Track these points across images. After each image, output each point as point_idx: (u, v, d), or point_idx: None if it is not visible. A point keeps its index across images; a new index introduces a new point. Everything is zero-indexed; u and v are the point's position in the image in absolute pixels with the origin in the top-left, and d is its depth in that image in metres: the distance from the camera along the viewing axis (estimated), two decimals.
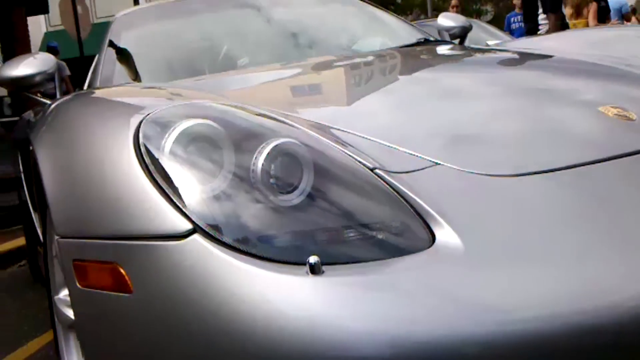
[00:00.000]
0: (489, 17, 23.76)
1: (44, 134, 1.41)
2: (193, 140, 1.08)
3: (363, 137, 1.21)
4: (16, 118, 4.22)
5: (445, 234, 0.98)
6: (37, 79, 2.13)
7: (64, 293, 1.64)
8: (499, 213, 1.03)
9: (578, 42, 2.18)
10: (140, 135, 1.10)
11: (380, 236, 0.99)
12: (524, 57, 2.03)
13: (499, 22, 12.47)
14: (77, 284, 1.12)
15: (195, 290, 0.95)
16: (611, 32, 2.41)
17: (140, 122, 1.12)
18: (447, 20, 2.78)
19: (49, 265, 1.67)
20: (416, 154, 1.15)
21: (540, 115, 1.34)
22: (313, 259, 0.92)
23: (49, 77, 2.15)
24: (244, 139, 1.09)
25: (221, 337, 0.92)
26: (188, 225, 0.98)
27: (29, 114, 3.10)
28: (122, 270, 1.03)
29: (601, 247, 0.96)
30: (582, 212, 1.03)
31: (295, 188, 1.02)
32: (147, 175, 1.05)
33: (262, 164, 1.03)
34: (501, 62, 2.00)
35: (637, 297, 0.89)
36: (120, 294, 1.04)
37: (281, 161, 1.05)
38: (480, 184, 1.08)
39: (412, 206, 1.02)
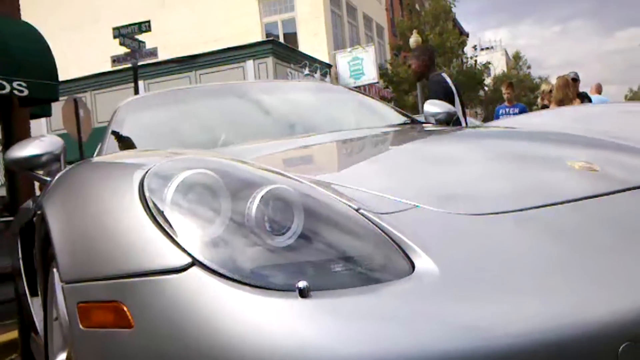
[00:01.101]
0: (480, 118, 24.59)
1: (52, 196, 1.50)
2: (192, 189, 1.17)
3: (351, 187, 1.32)
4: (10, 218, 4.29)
5: (423, 263, 1.06)
6: (44, 159, 2.24)
7: (61, 358, 1.68)
8: (472, 245, 1.13)
9: (563, 118, 2.32)
10: (145, 186, 1.19)
11: (364, 266, 1.07)
12: (505, 130, 2.17)
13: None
14: (80, 326, 1.18)
15: (192, 318, 1.02)
16: (594, 109, 2.56)
17: (144, 176, 1.21)
18: (433, 106, 2.95)
19: (48, 331, 1.72)
20: (398, 199, 1.25)
21: (511, 170, 1.46)
22: (302, 284, 1.00)
23: (55, 158, 2.25)
24: (239, 186, 1.18)
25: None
26: (187, 260, 1.07)
27: (29, 203, 3.21)
28: (123, 307, 1.10)
29: (560, 276, 1.06)
30: (544, 245, 1.13)
31: (288, 230, 1.11)
32: (149, 217, 1.14)
33: (256, 209, 1.13)
34: (482, 134, 2.14)
35: (585, 322, 0.97)
36: (122, 330, 1.10)
37: (273, 206, 1.15)
38: (454, 222, 1.18)
39: (393, 240, 1.11)
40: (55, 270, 1.55)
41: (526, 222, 1.19)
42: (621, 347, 0.94)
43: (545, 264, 1.08)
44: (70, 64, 14.72)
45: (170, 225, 1.12)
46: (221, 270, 1.05)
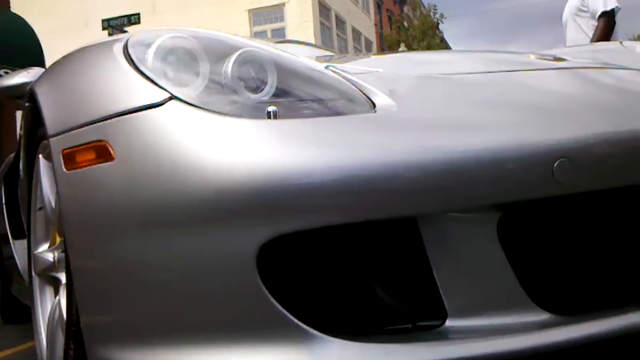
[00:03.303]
0: None
1: (41, 78, 1.59)
2: (172, 52, 1.26)
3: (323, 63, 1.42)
4: None
5: (383, 101, 1.17)
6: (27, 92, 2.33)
7: (43, 248, 1.76)
8: (428, 92, 1.27)
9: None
10: (127, 51, 1.29)
11: (330, 104, 1.17)
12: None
13: None
14: (64, 170, 1.26)
15: (170, 144, 1.11)
16: (571, 49, 2.69)
17: (126, 43, 1.31)
18: None
19: (31, 222, 1.79)
20: (364, 68, 1.36)
21: (476, 59, 1.59)
22: (271, 108, 1.10)
23: None
24: (216, 49, 1.28)
25: (190, 177, 1.07)
26: (165, 95, 1.16)
27: (10, 156, 3.29)
28: (105, 144, 1.18)
29: (502, 112, 1.20)
30: (486, 95, 1.29)
31: (264, 86, 1.21)
32: (131, 67, 1.23)
33: (233, 68, 1.22)
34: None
35: (523, 142, 1.09)
36: (103, 164, 1.18)
37: (249, 65, 1.25)
38: (414, 78, 1.31)
39: (357, 87, 1.21)
40: (41, 156, 1.63)
41: (475, 79, 1.34)
42: (556, 163, 1.05)
43: (492, 105, 1.22)
44: None
45: (151, 73, 1.22)
46: (198, 104, 1.14)
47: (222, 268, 1.06)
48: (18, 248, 2.97)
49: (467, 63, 1.53)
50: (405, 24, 27.50)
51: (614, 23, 3.75)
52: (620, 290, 1.18)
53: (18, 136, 2.59)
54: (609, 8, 3.74)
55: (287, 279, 1.08)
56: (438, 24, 24.24)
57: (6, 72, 7.92)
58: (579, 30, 3.91)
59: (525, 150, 1.06)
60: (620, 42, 2.13)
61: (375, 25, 26.85)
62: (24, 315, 3.22)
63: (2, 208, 3.17)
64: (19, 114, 9.45)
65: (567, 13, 4.07)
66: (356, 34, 24.28)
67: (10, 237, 3.02)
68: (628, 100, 1.29)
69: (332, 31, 21.83)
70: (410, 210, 1.04)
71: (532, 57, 1.56)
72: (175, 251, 1.09)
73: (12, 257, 2.95)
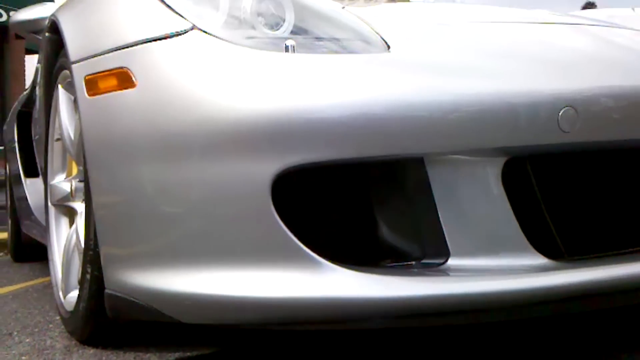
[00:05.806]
0: None
1: (63, 6, 1.61)
2: None
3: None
4: None
5: (397, 43, 1.21)
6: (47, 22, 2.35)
7: (59, 178, 1.80)
8: (440, 38, 1.32)
9: None
10: None
11: (346, 44, 1.20)
12: None
13: None
14: (86, 95, 1.29)
15: (190, 71, 1.15)
16: (587, 13, 2.71)
17: None
18: None
19: (49, 155, 1.83)
20: (381, 12, 1.40)
21: (496, 12, 1.62)
22: (289, 42, 1.13)
23: None
24: None
25: (208, 106, 1.11)
26: (188, 25, 1.19)
27: (25, 94, 3.32)
28: (127, 71, 1.21)
29: (507, 61, 1.24)
30: (498, 44, 1.33)
31: (282, 23, 1.23)
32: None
33: (252, 4, 1.25)
34: None
35: (531, 90, 1.12)
36: (125, 90, 1.21)
37: (267, 2, 1.27)
38: (429, 24, 1.39)
39: (373, 29, 1.25)
40: (60, 86, 1.66)
41: (489, 28, 1.39)
42: (561, 111, 1.09)
43: (503, 53, 1.26)
44: None
45: (174, 3, 1.24)
46: (218, 35, 1.17)
47: (238, 197, 1.09)
48: (30, 187, 3.02)
49: (482, 13, 1.55)
50: None
51: None
52: (618, 241, 1.22)
53: (36, 70, 2.60)
54: None
55: (299, 211, 1.12)
56: None
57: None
58: None
59: (532, 97, 1.09)
60: (632, 9, 2.15)
61: None
62: (34, 255, 3.31)
63: (15, 148, 3.20)
64: (27, 58, 9.44)
65: None
66: None
67: (22, 175, 3.06)
68: (634, 58, 1.33)
69: None
70: (418, 149, 1.08)
71: (545, 13, 1.59)
72: (193, 180, 1.12)
73: (24, 198, 2.98)
